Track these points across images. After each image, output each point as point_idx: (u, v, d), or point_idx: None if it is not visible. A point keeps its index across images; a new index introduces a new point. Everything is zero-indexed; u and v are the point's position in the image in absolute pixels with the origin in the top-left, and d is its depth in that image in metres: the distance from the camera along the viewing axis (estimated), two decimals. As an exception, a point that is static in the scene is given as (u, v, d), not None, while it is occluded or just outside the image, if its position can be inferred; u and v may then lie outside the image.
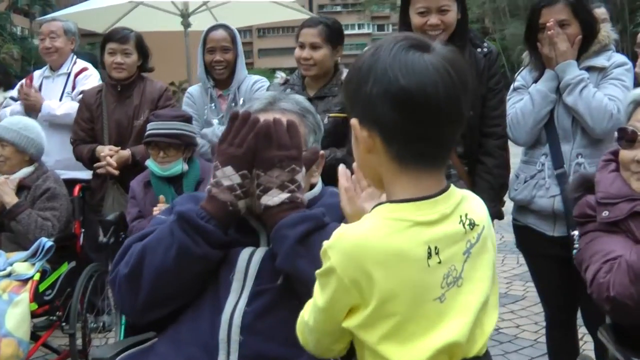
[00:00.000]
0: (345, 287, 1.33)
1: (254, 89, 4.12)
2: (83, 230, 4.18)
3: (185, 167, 3.66)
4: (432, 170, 1.41)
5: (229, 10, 7.68)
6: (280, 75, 4.01)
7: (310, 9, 19.45)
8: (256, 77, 4.32)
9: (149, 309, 1.96)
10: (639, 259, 2.06)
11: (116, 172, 4.11)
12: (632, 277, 2.05)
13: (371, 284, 1.32)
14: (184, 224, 1.89)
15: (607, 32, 3.14)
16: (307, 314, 1.47)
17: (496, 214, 3.07)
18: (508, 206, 3.25)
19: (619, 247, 2.20)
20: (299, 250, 1.83)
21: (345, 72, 3.68)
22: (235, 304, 1.88)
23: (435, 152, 1.40)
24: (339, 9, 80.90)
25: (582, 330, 3.39)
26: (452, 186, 1.45)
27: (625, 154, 2.33)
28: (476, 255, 1.42)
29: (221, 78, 4.16)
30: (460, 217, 1.41)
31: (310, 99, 3.60)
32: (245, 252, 1.94)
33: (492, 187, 3.14)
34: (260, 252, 1.95)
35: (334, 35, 3.74)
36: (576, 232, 2.44)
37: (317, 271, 1.40)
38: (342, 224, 1.45)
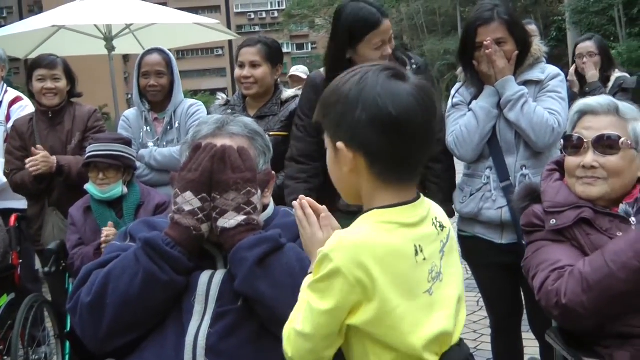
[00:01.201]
0: (350, 286, 1.43)
1: (190, 112, 4.10)
2: (21, 261, 4.09)
3: (125, 190, 3.63)
4: (409, 183, 1.58)
5: (152, 33, 7.65)
6: (221, 97, 4.03)
7: (229, 29, 19.50)
8: (192, 100, 4.31)
9: (113, 337, 1.94)
10: (592, 271, 2.13)
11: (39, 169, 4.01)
12: (586, 287, 2.12)
13: (373, 280, 1.43)
14: (150, 251, 1.89)
15: (538, 45, 3.22)
16: (300, 324, 1.50)
17: (449, 213, 3.17)
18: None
19: (565, 256, 2.26)
20: (257, 272, 1.85)
21: (285, 92, 3.77)
22: (199, 326, 1.89)
23: (413, 169, 1.56)
24: (257, 28, 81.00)
25: (527, 335, 3.43)
26: (421, 194, 1.59)
27: (571, 161, 2.39)
28: (448, 254, 1.60)
29: (155, 100, 4.12)
30: (432, 220, 1.59)
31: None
32: (204, 275, 1.95)
33: (441, 190, 3.26)
34: (219, 275, 1.96)
35: (273, 54, 3.80)
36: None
37: (316, 277, 1.47)
38: (337, 231, 1.52)
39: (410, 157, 1.54)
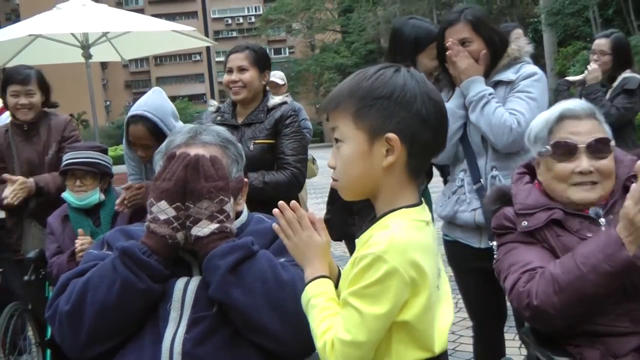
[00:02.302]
0: (405, 284, 1.49)
1: None
2: (1, 270, 4.10)
3: (102, 197, 3.66)
4: (419, 181, 1.67)
5: (129, 41, 7.66)
6: (213, 104, 4.08)
7: (206, 34, 19.51)
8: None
9: (92, 345, 1.97)
10: (563, 273, 2.16)
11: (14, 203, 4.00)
12: (557, 288, 2.15)
13: (423, 276, 1.51)
14: (127, 260, 1.92)
15: (518, 45, 3.18)
16: (347, 333, 1.51)
17: None
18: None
19: (536, 258, 2.30)
20: (230, 279, 1.89)
21: (272, 99, 3.82)
22: (175, 332, 1.92)
23: (429, 165, 1.63)
24: (234, 34, 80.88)
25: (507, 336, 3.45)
26: None
27: (563, 167, 2.37)
28: (438, 251, 1.66)
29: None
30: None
31: (238, 126, 3.75)
32: (180, 282, 1.99)
33: None
34: (195, 281, 1.99)
35: (260, 60, 3.88)
36: (494, 243, 2.53)
37: (366, 282, 1.48)
38: (382, 233, 1.53)
39: (437, 153, 1.65)
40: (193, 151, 2.06)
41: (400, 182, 1.60)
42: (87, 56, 7.30)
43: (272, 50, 79.53)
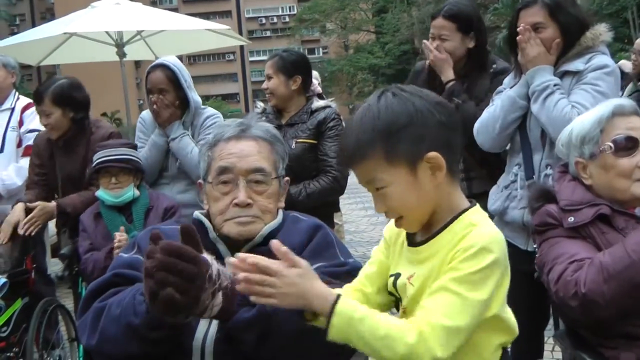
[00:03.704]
0: (502, 274, 1.59)
1: (206, 125, 4.03)
2: (35, 265, 4.14)
3: (137, 192, 3.68)
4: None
5: (163, 39, 7.73)
6: (260, 105, 4.23)
7: (240, 34, 19.58)
8: (211, 111, 4.17)
9: None
10: (614, 261, 2.13)
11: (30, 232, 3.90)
12: (606, 276, 2.11)
13: (507, 268, 1.62)
14: (137, 338, 1.82)
15: (593, 33, 2.97)
16: (449, 319, 1.50)
17: None
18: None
19: (582, 250, 2.26)
20: (260, 350, 1.80)
21: (316, 102, 3.96)
22: (206, 332, 1.88)
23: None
24: (268, 33, 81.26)
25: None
26: None
27: (624, 163, 2.32)
28: None
29: (161, 120, 3.97)
30: None
31: (281, 126, 3.86)
32: (198, 334, 1.90)
33: None
34: (213, 329, 1.90)
35: (287, 66, 3.96)
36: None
37: (478, 267, 1.53)
38: (479, 227, 1.60)
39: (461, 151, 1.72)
40: (244, 144, 2.08)
41: (450, 188, 1.65)
42: (121, 55, 7.38)
43: (306, 50, 79.77)
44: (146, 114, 4.23)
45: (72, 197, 3.98)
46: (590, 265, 2.18)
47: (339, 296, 1.53)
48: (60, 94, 4.03)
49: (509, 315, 1.67)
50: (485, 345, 1.62)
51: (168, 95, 3.92)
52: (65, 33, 6.91)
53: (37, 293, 4.07)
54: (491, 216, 3.12)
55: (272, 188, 2.11)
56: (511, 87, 3.08)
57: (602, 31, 2.99)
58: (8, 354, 3.78)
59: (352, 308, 1.51)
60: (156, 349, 1.84)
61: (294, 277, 1.52)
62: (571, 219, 2.34)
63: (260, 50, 76.42)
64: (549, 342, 3.36)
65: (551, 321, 3.17)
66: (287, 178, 2.22)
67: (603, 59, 2.96)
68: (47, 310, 3.84)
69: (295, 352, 1.80)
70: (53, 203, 3.97)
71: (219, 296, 1.74)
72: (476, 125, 3.12)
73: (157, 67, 3.97)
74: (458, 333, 1.51)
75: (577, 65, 2.96)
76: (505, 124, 3.01)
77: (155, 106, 3.90)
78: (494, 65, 3.40)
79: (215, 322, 1.88)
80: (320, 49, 76.32)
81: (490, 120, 3.04)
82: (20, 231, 3.83)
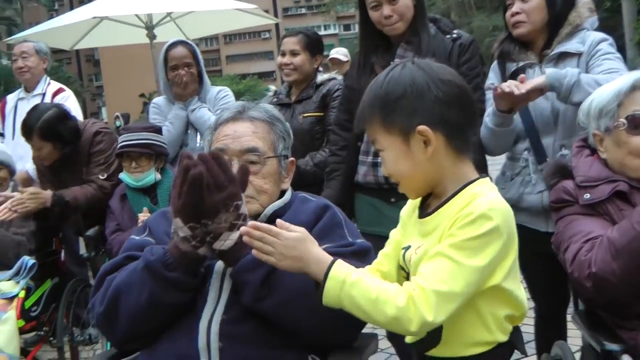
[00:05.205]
0: (504, 243, 1.57)
1: (218, 97, 4.23)
2: (63, 246, 4.25)
3: (158, 176, 3.75)
4: (471, 155, 1.71)
5: (192, 20, 7.75)
6: (271, 89, 4.39)
7: (275, 12, 19.58)
8: (219, 87, 4.41)
9: (127, 342, 2.01)
10: (620, 236, 2.08)
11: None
12: (614, 252, 2.07)
13: (513, 239, 1.62)
14: (152, 276, 1.89)
15: (578, 11, 2.94)
16: (443, 284, 1.51)
17: None
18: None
19: (598, 228, 2.21)
20: (262, 293, 1.85)
21: (320, 75, 4.02)
22: (213, 313, 1.91)
23: (473, 136, 1.71)
24: (303, 10, 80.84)
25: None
26: None
27: (636, 141, 2.25)
28: None
29: (185, 93, 4.12)
30: None
31: (290, 104, 3.98)
32: (219, 264, 1.96)
33: None
34: None
35: (312, 44, 4.07)
36: None
37: (476, 233, 1.54)
38: (481, 197, 1.61)
39: (474, 124, 1.72)
40: (241, 126, 2.09)
41: (452, 163, 1.65)
42: (152, 37, 7.43)
43: (342, 27, 79.25)
44: (159, 99, 4.37)
45: (73, 189, 4.00)
46: (600, 243, 2.13)
47: (334, 261, 1.60)
48: (48, 128, 3.97)
49: (516, 289, 1.64)
50: (490, 316, 1.62)
51: (193, 69, 4.13)
52: (95, 17, 6.99)
53: (68, 273, 4.19)
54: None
55: (267, 168, 2.11)
56: (511, 76, 2.97)
57: (585, 10, 2.96)
58: (39, 333, 3.90)
59: (346, 272, 1.58)
60: (168, 296, 1.88)
61: (292, 240, 1.63)
62: (587, 196, 2.28)
63: (295, 27, 75.65)
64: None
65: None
66: (291, 158, 2.22)
67: (598, 33, 2.93)
68: (76, 290, 3.94)
69: (297, 311, 1.82)
70: (49, 192, 3.92)
71: (236, 234, 1.82)
72: (481, 134, 3.00)
73: (178, 44, 4.18)
74: (451, 298, 1.51)
75: (575, 46, 2.90)
76: (496, 144, 2.98)
77: (184, 79, 4.06)
78: (455, 32, 3.18)
79: (222, 304, 1.92)
80: (356, 25, 75.58)
81: (486, 136, 2.95)
82: (11, 206, 3.75)
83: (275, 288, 1.85)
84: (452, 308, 1.52)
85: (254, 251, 1.68)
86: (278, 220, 1.68)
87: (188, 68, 4.10)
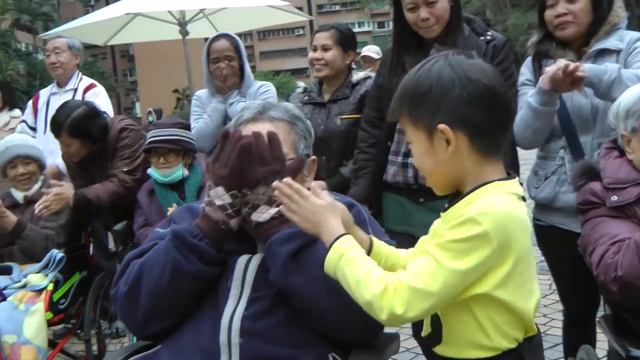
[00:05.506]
0: (493, 251, 1.50)
1: (259, 92, 4.18)
2: (92, 240, 4.30)
3: (186, 172, 3.78)
4: (501, 156, 1.66)
5: (225, 17, 7.76)
6: (300, 85, 4.27)
7: (309, 9, 19.57)
8: (262, 82, 4.38)
9: (148, 324, 2.03)
10: None
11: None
12: None
13: (509, 248, 1.52)
14: (178, 243, 1.94)
15: (616, 10, 2.92)
16: (420, 281, 1.52)
17: None
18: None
19: (625, 230, 2.19)
20: (290, 267, 1.88)
21: (356, 74, 3.91)
22: (234, 309, 1.93)
23: (504, 139, 1.65)
24: (337, 7, 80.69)
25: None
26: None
27: None
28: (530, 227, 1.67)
29: (226, 85, 4.11)
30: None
31: (324, 103, 3.87)
32: (241, 260, 1.99)
33: None
34: (256, 260, 1.99)
35: (345, 39, 3.96)
36: None
37: (461, 236, 1.51)
38: (477, 201, 1.57)
39: (504, 127, 1.65)
40: (260, 127, 2.06)
41: (476, 164, 1.61)
42: (184, 33, 7.47)
43: (376, 24, 79.02)
44: (201, 92, 4.35)
45: (95, 187, 4.02)
46: (627, 246, 2.11)
47: (342, 234, 1.65)
48: (76, 126, 4.01)
49: (515, 301, 1.57)
50: (487, 320, 1.58)
51: (234, 62, 4.10)
52: (128, 13, 7.06)
53: (96, 267, 4.23)
54: (541, 205, 3.05)
55: None
56: (528, 78, 2.99)
57: (620, 9, 2.95)
58: (66, 326, 3.95)
59: (347, 248, 1.63)
60: (191, 266, 1.91)
61: (317, 206, 1.70)
62: (614, 198, 2.26)
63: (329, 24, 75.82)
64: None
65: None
66: (313, 157, 2.21)
67: (634, 33, 2.92)
68: (104, 283, 3.97)
69: (323, 290, 1.83)
70: (71, 191, 3.92)
71: (274, 209, 1.90)
72: (513, 127, 2.94)
73: (221, 37, 4.17)
74: (425, 296, 1.51)
75: (615, 43, 2.87)
76: (535, 129, 2.89)
77: (224, 72, 4.04)
78: (489, 33, 3.16)
79: (243, 300, 1.94)
80: (390, 22, 75.27)
81: (522, 126, 2.91)
82: (37, 213, 3.81)
83: (304, 263, 1.88)
84: (427, 306, 1.52)
85: (281, 207, 1.76)
86: (314, 184, 1.78)
87: (229, 61, 4.07)
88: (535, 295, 1.64)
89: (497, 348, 1.59)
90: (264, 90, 4.21)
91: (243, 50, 4.20)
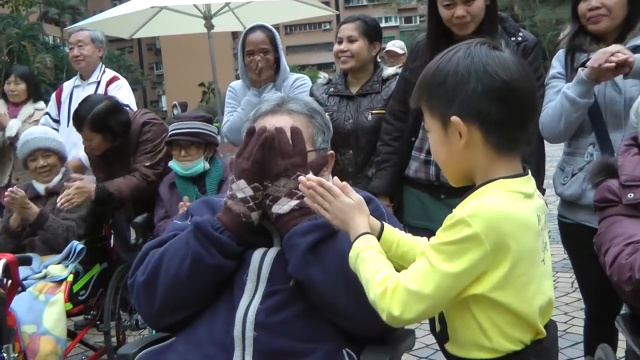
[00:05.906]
0: (485, 253, 1.46)
1: (295, 85, 4.15)
2: (113, 232, 4.32)
3: (207, 165, 3.78)
4: (518, 152, 1.62)
5: (251, 11, 7.76)
6: (323, 76, 4.18)
7: (336, 3, 19.50)
8: (298, 75, 4.33)
9: (163, 315, 2.04)
10: None
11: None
12: None
13: (505, 249, 1.48)
14: (199, 235, 1.96)
15: None
16: (415, 283, 1.51)
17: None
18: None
19: None
20: (309, 259, 1.89)
21: (386, 70, 3.86)
22: (249, 303, 1.94)
23: (522, 136, 1.60)
24: (365, 2, 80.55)
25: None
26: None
27: None
28: (545, 225, 1.63)
29: (261, 79, 4.05)
30: (537, 191, 1.64)
31: (353, 97, 3.81)
32: (257, 254, 2.00)
33: (531, 172, 3.15)
34: (272, 253, 2.00)
35: (371, 31, 3.88)
36: None
37: (446, 240, 1.49)
38: (473, 200, 1.54)
39: (522, 124, 1.58)
40: (279, 119, 2.07)
41: (487, 158, 1.57)
42: (209, 27, 7.47)
43: (403, 19, 78.81)
44: (236, 84, 4.31)
45: (117, 180, 4.03)
46: None
47: (364, 233, 1.68)
48: (98, 121, 4.01)
49: (515, 302, 1.53)
50: (487, 322, 1.55)
51: (269, 55, 4.04)
52: (153, 7, 7.06)
53: (117, 259, 4.26)
54: (567, 202, 3.01)
55: None
56: (559, 72, 2.94)
57: None
58: (86, 317, 3.98)
59: (363, 248, 1.65)
60: (211, 258, 1.93)
61: (346, 204, 1.73)
62: (631, 195, 2.24)
63: (356, 18, 75.76)
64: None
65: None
66: (330, 152, 2.21)
67: None
68: (124, 275, 3.98)
69: (339, 282, 1.84)
70: (93, 185, 3.95)
71: (295, 202, 1.95)
72: (541, 120, 2.94)
73: (257, 28, 4.08)
74: (420, 299, 1.50)
75: None
76: (570, 121, 2.85)
77: (259, 65, 3.98)
78: (520, 34, 3.12)
79: (259, 293, 1.95)
80: (418, 17, 75.20)
81: (554, 119, 2.87)
82: (58, 206, 3.86)
83: (323, 255, 1.89)
84: (422, 308, 1.51)
85: (312, 203, 1.79)
86: (335, 181, 1.78)
87: (264, 54, 4.00)
88: (544, 296, 1.59)
89: (499, 350, 1.56)
90: (299, 84, 4.16)
91: (279, 42, 4.13)
